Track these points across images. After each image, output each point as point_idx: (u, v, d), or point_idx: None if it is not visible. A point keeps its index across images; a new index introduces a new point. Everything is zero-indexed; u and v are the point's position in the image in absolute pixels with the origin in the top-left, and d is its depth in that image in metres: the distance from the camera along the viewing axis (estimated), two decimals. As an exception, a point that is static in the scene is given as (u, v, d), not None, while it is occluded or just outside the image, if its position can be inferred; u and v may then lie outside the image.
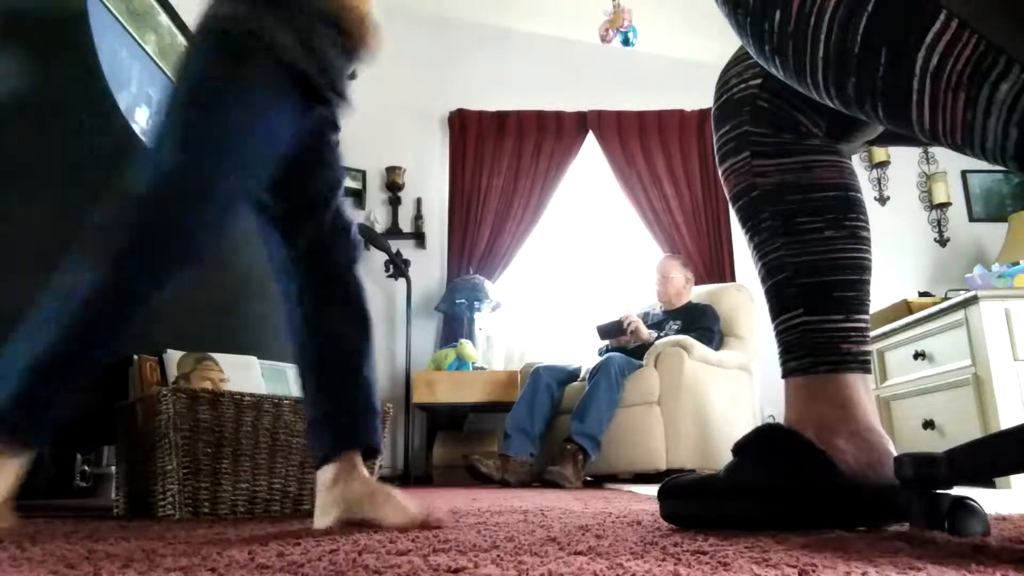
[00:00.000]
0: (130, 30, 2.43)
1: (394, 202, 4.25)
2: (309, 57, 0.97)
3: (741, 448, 0.79)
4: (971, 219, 4.18)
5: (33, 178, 1.29)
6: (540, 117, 4.31)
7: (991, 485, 2.37)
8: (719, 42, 2.22)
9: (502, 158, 4.26)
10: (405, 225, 4.24)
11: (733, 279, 4.00)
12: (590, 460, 2.78)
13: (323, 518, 0.94)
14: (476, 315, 3.91)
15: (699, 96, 4.25)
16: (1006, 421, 2.33)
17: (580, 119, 4.34)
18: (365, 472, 0.99)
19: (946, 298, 2.77)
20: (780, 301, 0.82)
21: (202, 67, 0.94)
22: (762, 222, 0.83)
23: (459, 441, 3.62)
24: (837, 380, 0.78)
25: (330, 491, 0.96)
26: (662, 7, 3.87)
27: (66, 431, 1.82)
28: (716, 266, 4.10)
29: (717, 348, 3.14)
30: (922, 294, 3.36)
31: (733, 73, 0.85)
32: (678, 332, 3.14)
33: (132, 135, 1.47)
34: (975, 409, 2.46)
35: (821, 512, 0.71)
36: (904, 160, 4.25)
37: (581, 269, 4.31)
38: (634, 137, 4.28)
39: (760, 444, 0.78)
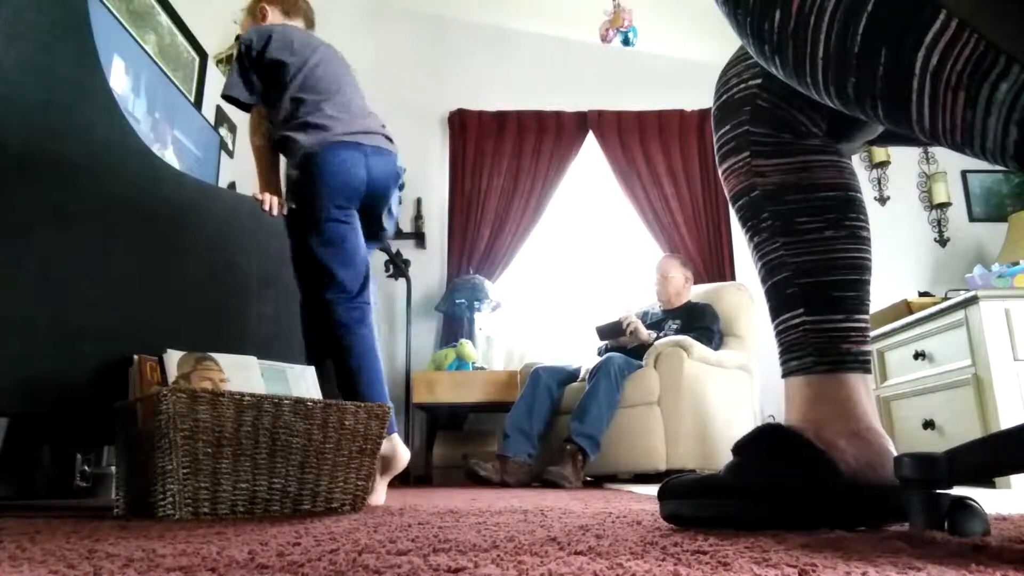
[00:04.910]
0: (130, 30, 2.43)
1: (394, 202, 4.25)
2: None
3: (741, 448, 0.79)
4: (971, 219, 4.18)
5: (32, 178, 1.29)
6: (540, 117, 4.31)
7: (991, 485, 2.37)
8: (719, 42, 2.23)
9: (502, 158, 4.26)
10: (405, 225, 4.24)
11: (733, 278, 4.00)
12: (590, 460, 2.78)
13: None
14: (476, 315, 3.91)
15: (699, 96, 4.26)
16: (1006, 421, 2.33)
17: (580, 119, 4.34)
18: None
19: (946, 298, 2.77)
20: (780, 301, 0.82)
21: None
22: (762, 222, 0.83)
23: (459, 441, 3.62)
24: (837, 380, 0.78)
25: None
26: (662, 7, 3.87)
27: (66, 431, 1.82)
28: (716, 265, 4.10)
29: (717, 348, 3.13)
30: (922, 294, 3.36)
31: (733, 73, 0.85)
32: (677, 332, 3.14)
33: (131, 135, 1.47)
34: (975, 409, 2.46)
35: (821, 512, 0.71)
36: (904, 160, 4.25)
37: (581, 269, 4.31)
38: (634, 137, 4.28)
39: (760, 444, 0.78)
